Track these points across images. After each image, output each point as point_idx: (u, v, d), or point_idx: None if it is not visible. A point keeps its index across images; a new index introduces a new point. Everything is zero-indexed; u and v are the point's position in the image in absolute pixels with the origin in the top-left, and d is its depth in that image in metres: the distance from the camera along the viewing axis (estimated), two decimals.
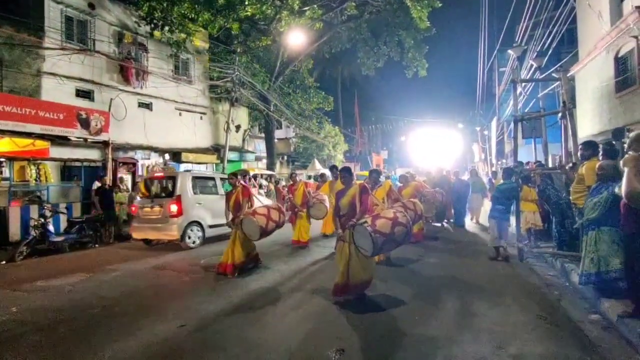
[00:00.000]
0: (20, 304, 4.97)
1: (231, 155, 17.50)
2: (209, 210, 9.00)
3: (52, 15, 12.05)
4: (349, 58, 27.76)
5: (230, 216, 6.39)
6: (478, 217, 11.81)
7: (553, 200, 6.21)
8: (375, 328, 3.93)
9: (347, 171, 5.01)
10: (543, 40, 10.17)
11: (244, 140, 20.31)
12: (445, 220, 11.33)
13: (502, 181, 7.11)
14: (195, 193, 8.96)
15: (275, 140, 21.17)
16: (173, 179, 8.99)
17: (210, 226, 9.00)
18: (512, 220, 7.61)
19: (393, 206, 6.04)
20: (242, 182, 6.68)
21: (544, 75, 10.41)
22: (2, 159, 9.94)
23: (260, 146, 21.76)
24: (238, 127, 18.84)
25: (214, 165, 17.71)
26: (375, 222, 4.16)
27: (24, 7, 11.94)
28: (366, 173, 19.10)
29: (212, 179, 9.94)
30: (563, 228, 6.13)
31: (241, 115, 19.82)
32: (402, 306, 4.57)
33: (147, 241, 9.22)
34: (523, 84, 12.52)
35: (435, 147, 27.52)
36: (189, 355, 3.44)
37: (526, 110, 12.37)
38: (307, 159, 24.30)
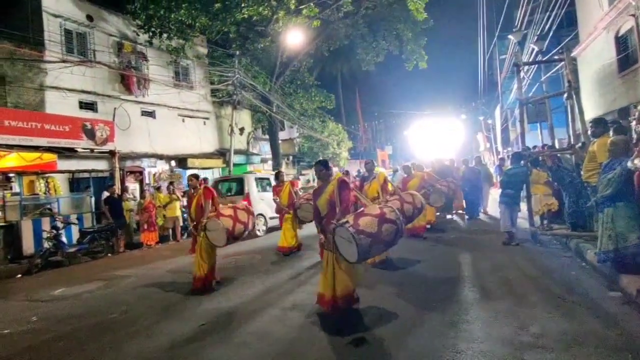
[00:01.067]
0: (40, 313, 5.02)
1: (237, 159, 17.54)
2: (269, 205, 10.28)
3: (51, 29, 12.16)
4: (347, 54, 27.73)
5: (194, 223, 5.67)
6: (486, 206, 11.59)
7: (567, 180, 6.14)
8: (383, 325, 3.93)
9: (322, 164, 4.22)
10: (542, 24, 10.09)
11: (248, 142, 20.36)
12: (454, 212, 11.16)
13: (510, 166, 7.07)
14: (259, 191, 11.00)
15: (280, 142, 21.18)
16: (241, 180, 11.27)
17: (271, 217, 10.71)
18: (522, 205, 7.57)
19: (386, 199, 5.75)
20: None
21: (546, 57, 10.33)
22: (12, 174, 10.05)
23: (265, 148, 21.80)
24: (242, 130, 18.87)
25: (220, 169, 17.78)
26: (357, 221, 3.54)
27: (22, 22, 12.06)
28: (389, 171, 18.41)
29: (268, 179, 11.72)
30: (578, 208, 6.07)
31: (244, 118, 19.87)
32: (413, 300, 4.55)
33: None
34: (526, 68, 12.44)
35: (437, 139, 27.36)
36: (211, 353, 3.45)
37: (530, 95, 12.24)
38: (313, 158, 24.30)
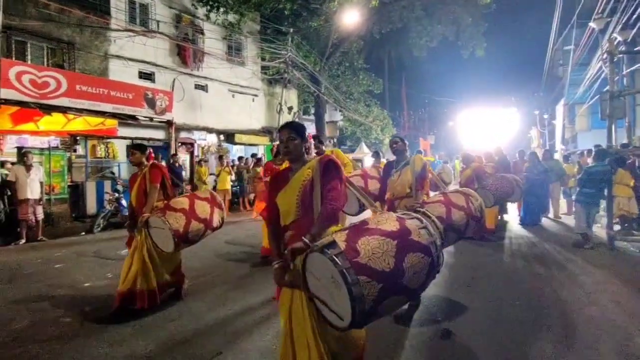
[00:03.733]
0: (112, 270, 5.23)
1: None
2: None
3: None
4: (396, 39, 26.79)
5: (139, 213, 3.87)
6: (557, 211, 9.64)
7: None
8: None
9: (294, 129, 2.23)
10: (633, 10, 9.16)
11: None
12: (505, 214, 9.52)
13: (592, 163, 6.55)
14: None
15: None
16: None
17: None
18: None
19: (421, 201, 3.72)
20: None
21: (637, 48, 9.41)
22: (78, 137, 10.53)
23: (307, 129, 21.72)
24: (290, 109, 18.81)
25: (265, 147, 17.89)
26: (355, 244, 1.71)
27: None
28: (431, 158, 17.57)
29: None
30: None
31: (292, 98, 19.79)
32: (498, 303, 4.31)
33: None
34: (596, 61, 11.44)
35: (487, 130, 26.10)
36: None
37: (605, 90, 11.18)
38: (356, 142, 24.03)
